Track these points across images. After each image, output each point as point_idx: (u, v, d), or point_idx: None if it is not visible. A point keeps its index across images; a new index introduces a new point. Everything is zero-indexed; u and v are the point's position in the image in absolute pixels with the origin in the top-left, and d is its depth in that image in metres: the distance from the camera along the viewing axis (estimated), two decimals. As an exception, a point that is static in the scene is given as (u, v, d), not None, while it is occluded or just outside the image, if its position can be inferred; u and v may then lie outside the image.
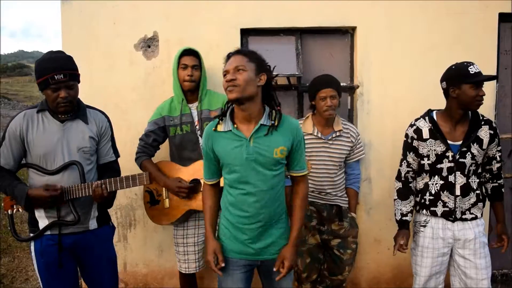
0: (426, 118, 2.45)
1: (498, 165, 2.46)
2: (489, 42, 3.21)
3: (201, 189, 2.59)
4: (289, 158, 2.00)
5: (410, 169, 2.52)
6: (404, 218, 2.54)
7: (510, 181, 3.45)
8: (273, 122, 1.91)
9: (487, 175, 2.50)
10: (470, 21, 3.18)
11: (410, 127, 2.49)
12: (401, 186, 2.56)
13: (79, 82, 2.19)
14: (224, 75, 1.89)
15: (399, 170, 2.58)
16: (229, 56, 1.93)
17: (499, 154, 2.45)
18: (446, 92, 2.39)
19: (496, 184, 2.49)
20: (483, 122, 2.38)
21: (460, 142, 2.36)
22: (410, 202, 2.54)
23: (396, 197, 2.58)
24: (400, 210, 2.55)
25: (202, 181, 2.59)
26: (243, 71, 1.84)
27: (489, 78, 2.33)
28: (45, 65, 2.09)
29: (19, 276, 3.96)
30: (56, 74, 2.05)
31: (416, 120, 2.49)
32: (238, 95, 1.83)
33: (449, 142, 2.37)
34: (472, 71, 2.28)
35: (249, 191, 1.92)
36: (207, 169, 2.08)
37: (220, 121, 1.96)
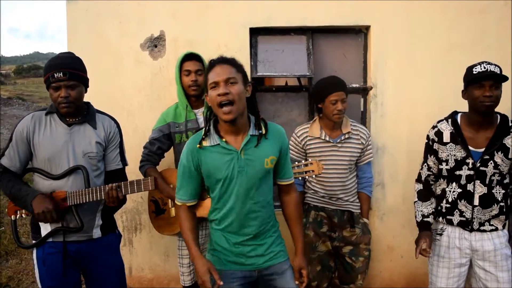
0: (449, 120, 2.32)
1: None
2: (508, 42, 3.09)
3: (207, 196, 2.50)
4: (277, 166, 1.96)
5: (431, 173, 2.42)
6: (425, 219, 2.40)
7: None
8: (260, 131, 1.86)
9: None
10: (489, 22, 3.08)
11: (432, 129, 2.38)
12: (421, 188, 2.45)
13: (85, 85, 2.17)
14: (213, 87, 1.76)
15: (419, 172, 2.48)
16: (212, 64, 1.80)
17: None
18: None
19: None
20: None
21: (482, 149, 2.21)
22: (432, 203, 2.42)
23: (416, 199, 2.46)
24: (421, 211, 2.42)
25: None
26: (235, 83, 1.75)
27: (490, 76, 2.11)
28: (48, 63, 2.11)
29: (25, 279, 3.93)
30: (55, 72, 2.03)
31: (439, 121, 2.37)
32: (235, 116, 1.74)
33: (471, 148, 2.23)
34: (475, 71, 2.15)
35: (239, 202, 1.86)
36: (185, 189, 1.92)
37: (204, 137, 1.85)
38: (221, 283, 1.75)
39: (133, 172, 2.71)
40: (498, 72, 2.11)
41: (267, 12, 3.02)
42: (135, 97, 3.06)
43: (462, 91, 2.27)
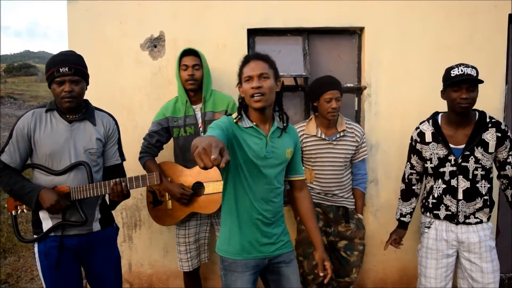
0: (430, 121, 2.45)
1: None
2: (499, 43, 3.19)
3: (204, 192, 2.58)
4: (291, 162, 2.11)
5: (414, 171, 2.56)
6: (402, 218, 2.64)
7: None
8: (284, 124, 2.03)
9: (505, 181, 2.42)
10: (481, 22, 3.16)
11: (415, 130, 2.51)
12: (404, 188, 2.63)
13: (87, 82, 2.22)
14: (247, 80, 1.90)
15: (404, 171, 2.63)
16: (247, 60, 1.93)
17: None
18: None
19: None
20: (490, 125, 2.31)
21: (462, 146, 2.32)
22: (411, 204, 2.62)
23: (399, 197, 2.66)
24: (400, 210, 2.65)
25: (205, 184, 2.58)
26: (267, 78, 1.89)
27: (467, 80, 2.20)
28: (52, 59, 2.16)
29: (24, 276, 3.97)
30: (61, 66, 2.09)
31: (421, 123, 2.49)
32: (265, 104, 1.88)
33: (452, 146, 2.34)
34: (453, 73, 2.24)
35: (260, 185, 1.96)
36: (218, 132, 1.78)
37: (238, 119, 1.97)
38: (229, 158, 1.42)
39: (133, 168, 2.77)
40: (475, 74, 2.21)
41: (264, 14, 3.08)
42: (135, 96, 3.10)
43: (441, 91, 2.38)
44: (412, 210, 2.62)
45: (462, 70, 2.21)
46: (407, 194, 2.62)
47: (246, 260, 2.00)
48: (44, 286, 2.22)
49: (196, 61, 2.68)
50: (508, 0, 3.14)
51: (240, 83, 1.97)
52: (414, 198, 2.62)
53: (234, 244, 2.01)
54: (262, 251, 2.01)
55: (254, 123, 1.95)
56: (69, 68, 2.10)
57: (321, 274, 2.05)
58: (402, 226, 2.65)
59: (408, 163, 2.58)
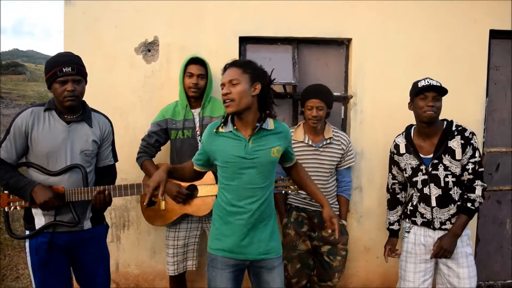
0: (404, 133, 2.58)
1: (469, 177, 2.40)
2: (480, 57, 3.30)
3: (197, 195, 2.64)
4: (284, 156, 2.19)
5: (396, 181, 2.67)
6: (391, 227, 2.71)
7: (498, 194, 3.53)
8: (258, 124, 2.05)
9: (463, 187, 2.47)
10: (460, 36, 3.28)
11: (392, 143, 2.63)
12: (389, 197, 2.73)
13: (86, 82, 2.27)
14: (222, 87, 2.01)
15: (387, 182, 2.73)
16: (225, 68, 2.04)
17: (472, 166, 2.39)
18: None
19: (465, 197, 2.41)
20: (456, 133, 2.41)
21: (431, 155, 2.43)
22: (397, 212, 2.70)
23: (387, 207, 2.74)
24: (388, 219, 2.72)
25: (198, 187, 2.64)
26: (237, 84, 1.97)
27: (434, 87, 2.34)
28: (54, 60, 2.19)
29: (9, 274, 3.97)
30: (64, 66, 2.13)
31: (397, 136, 2.62)
32: (234, 109, 1.97)
33: (422, 155, 2.45)
34: (420, 84, 2.39)
35: (243, 187, 2.03)
36: (198, 156, 2.20)
37: (222, 125, 2.07)
38: (161, 197, 2.06)
39: (124, 169, 2.81)
40: (439, 85, 2.35)
41: (256, 22, 3.16)
42: (128, 98, 3.15)
43: (409, 103, 2.50)
44: (399, 217, 2.69)
45: (428, 82, 2.38)
46: (392, 203, 2.70)
47: (226, 258, 2.05)
48: (33, 282, 2.24)
49: (202, 71, 2.74)
50: (488, 15, 3.26)
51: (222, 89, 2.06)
52: (400, 206, 2.69)
53: (217, 241, 2.08)
54: (242, 253, 2.06)
55: (234, 127, 2.04)
56: (72, 68, 2.14)
57: (330, 231, 2.11)
58: (393, 234, 2.70)
59: (390, 173, 2.68)
